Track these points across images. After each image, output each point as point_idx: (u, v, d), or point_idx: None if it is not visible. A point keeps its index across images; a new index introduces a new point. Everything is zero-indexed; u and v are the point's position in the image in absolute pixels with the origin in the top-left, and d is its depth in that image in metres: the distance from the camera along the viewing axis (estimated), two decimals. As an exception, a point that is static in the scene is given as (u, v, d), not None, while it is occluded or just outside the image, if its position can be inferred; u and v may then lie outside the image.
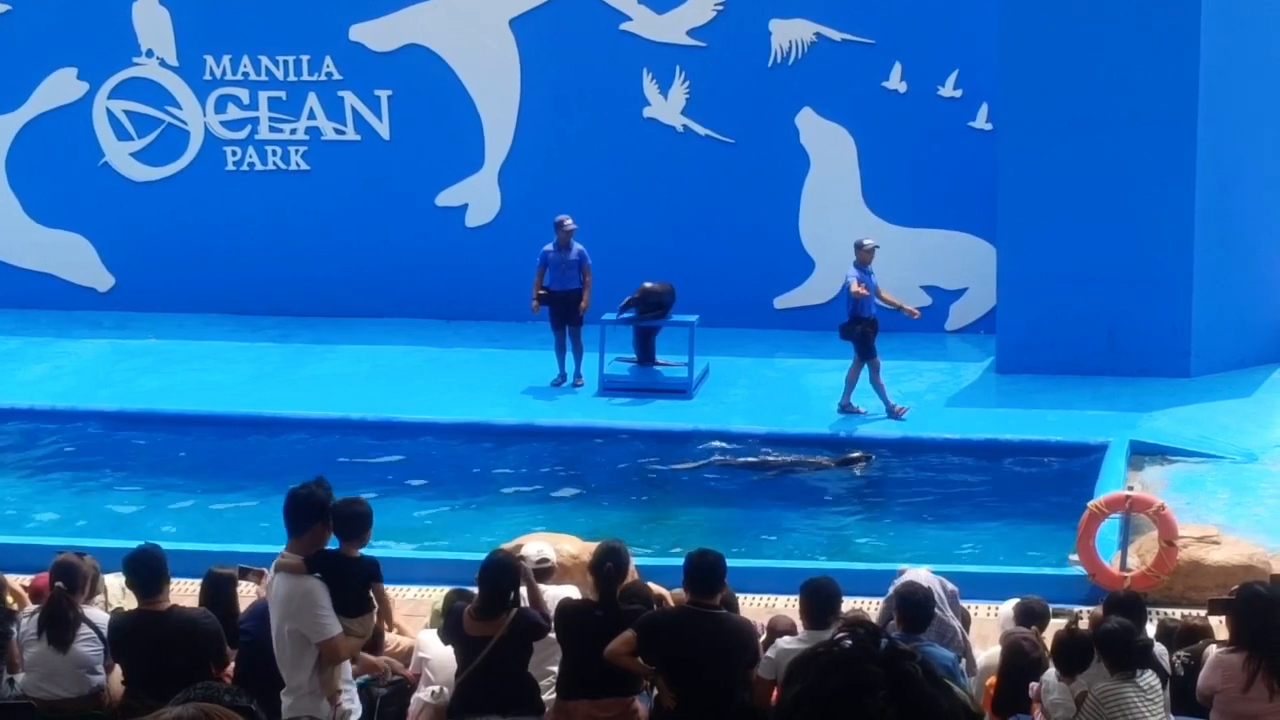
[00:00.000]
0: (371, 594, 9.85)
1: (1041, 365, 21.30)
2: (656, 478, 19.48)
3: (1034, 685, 10.24)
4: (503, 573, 10.07)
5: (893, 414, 20.26)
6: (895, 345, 22.87)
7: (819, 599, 9.99)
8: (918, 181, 23.53)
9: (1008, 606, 12.03)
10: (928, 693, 2.33)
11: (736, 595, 11.90)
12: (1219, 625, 10.77)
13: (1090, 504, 15.28)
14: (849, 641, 2.34)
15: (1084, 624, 10.71)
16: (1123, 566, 14.96)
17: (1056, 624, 11.63)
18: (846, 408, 20.44)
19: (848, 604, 11.35)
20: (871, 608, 12.73)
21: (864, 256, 20.27)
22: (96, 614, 10.70)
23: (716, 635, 9.78)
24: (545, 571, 11.81)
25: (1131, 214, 21.08)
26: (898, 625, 10.11)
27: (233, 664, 10.14)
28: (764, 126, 23.70)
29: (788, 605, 12.69)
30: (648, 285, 21.51)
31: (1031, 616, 11.55)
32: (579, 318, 21.42)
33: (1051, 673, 10.15)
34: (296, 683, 9.28)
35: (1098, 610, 11.36)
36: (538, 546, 12.32)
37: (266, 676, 9.44)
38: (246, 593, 11.45)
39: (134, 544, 10.77)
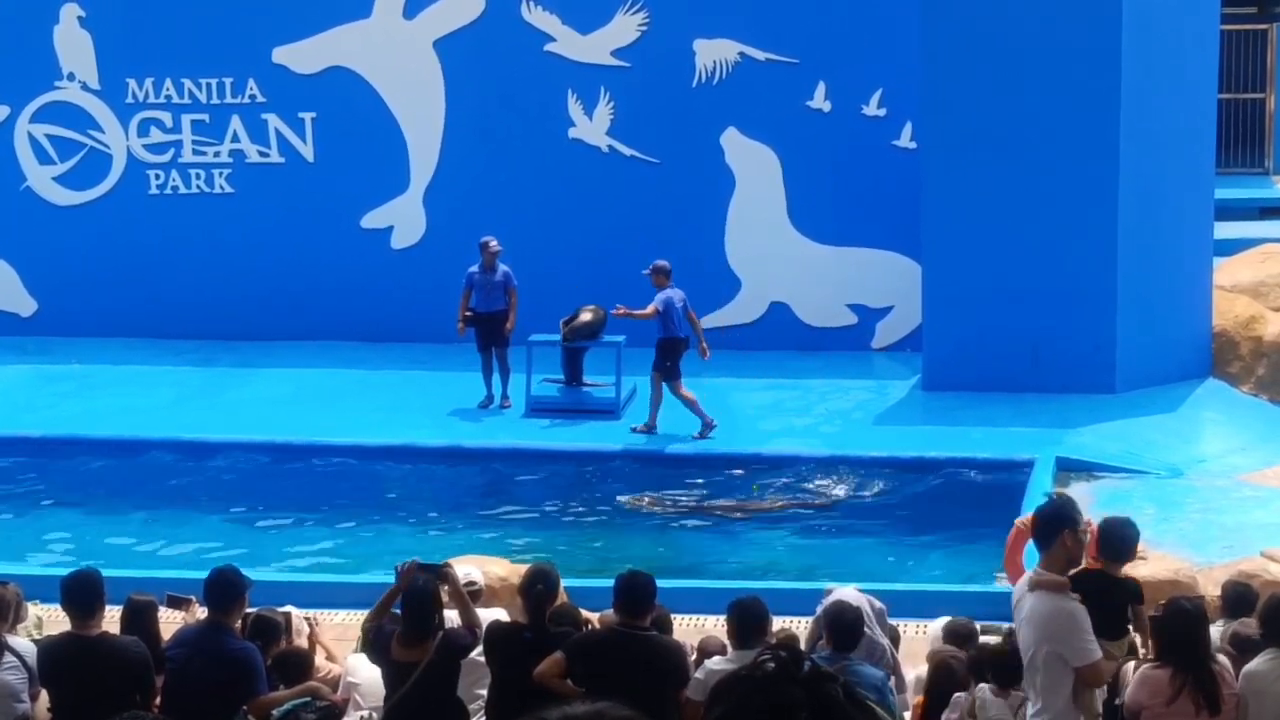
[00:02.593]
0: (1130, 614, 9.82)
1: (968, 382, 21.37)
2: (584, 499, 19.45)
3: (951, 714, 10.23)
4: (425, 598, 10.04)
5: (706, 428, 20.31)
6: (822, 364, 22.98)
7: (746, 619, 9.98)
8: (843, 200, 23.61)
9: (937, 625, 12.05)
10: (849, 714, 2.33)
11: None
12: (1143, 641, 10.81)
13: (1017, 520, 15.29)
14: (771, 664, 2.34)
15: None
16: (1049, 582, 14.98)
17: (985, 640, 11.66)
18: (652, 428, 20.42)
19: (777, 623, 11.34)
20: (800, 627, 12.74)
21: (659, 279, 20.27)
22: (20, 642, 10.60)
23: (645, 657, 9.76)
24: (473, 595, 11.77)
25: (1055, 231, 21.20)
26: (827, 644, 10.12)
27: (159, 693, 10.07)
28: (689, 146, 23.74)
29: (717, 625, 12.68)
30: (586, 317, 21.41)
31: (959, 637, 11.56)
32: (505, 339, 21.39)
33: (985, 688, 10.18)
34: (1053, 709, 8.90)
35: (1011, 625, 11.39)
36: (465, 569, 12.27)
37: (190, 706, 9.38)
38: (168, 619, 11.39)
39: (55, 571, 10.69)
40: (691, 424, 20.39)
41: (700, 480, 19.65)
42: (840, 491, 19.32)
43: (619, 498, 19.19)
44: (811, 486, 19.45)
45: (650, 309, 20.24)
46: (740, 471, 19.83)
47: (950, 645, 11.32)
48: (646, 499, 19.13)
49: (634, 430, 20.57)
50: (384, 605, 10.45)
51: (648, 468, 19.95)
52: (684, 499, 19.22)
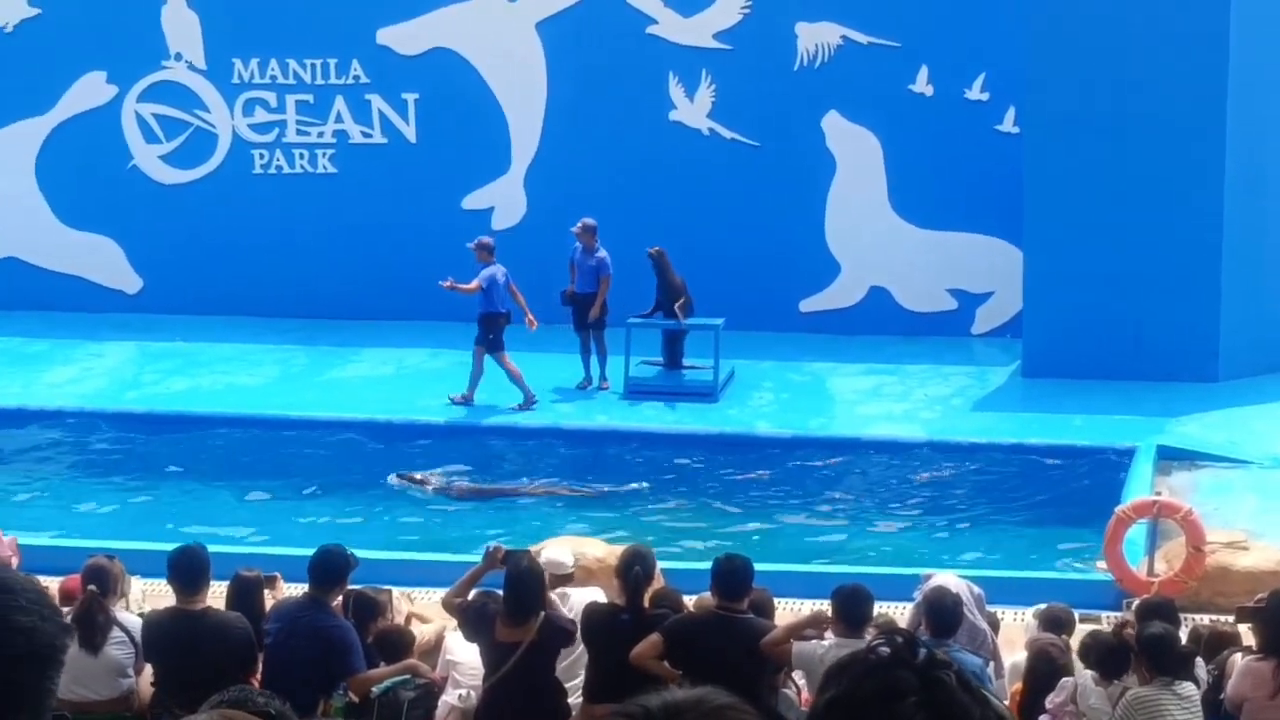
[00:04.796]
0: None
1: (1068, 369, 21.25)
2: (682, 481, 19.47)
3: (1056, 697, 10.19)
4: (529, 579, 10.08)
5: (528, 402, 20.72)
6: (922, 349, 22.90)
7: (852, 605, 9.97)
8: (944, 185, 23.51)
9: (1029, 613, 12.02)
10: (960, 700, 2.34)
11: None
12: (1248, 632, 10.75)
13: (1117, 509, 15.25)
14: (886, 648, 2.36)
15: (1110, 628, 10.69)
16: (1150, 572, 14.92)
17: (1083, 629, 11.62)
18: (470, 399, 20.80)
19: (876, 609, 11.33)
20: (897, 612, 12.73)
21: (482, 255, 20.70)
22: (127, 617, 10.74)
23: (742, 640, 9.78)
24: (564, 577, 11.83)
25: (1159, 216, 21.04)
26: (926, 631, 10.10)
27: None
28: (790, 130, 23.70)
29: (812, 609, 12.67)
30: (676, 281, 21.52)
31: (1057, 624, 11.52)
32: (597, 322, 21.39)
33: (1088, 676, 10.13)
34: None
35: (1126, 616, 11.35)
36: (556, 552, 12.33)
37: (288, 681, 9.47)
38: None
39: (161, 546, 10.82)
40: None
41: (766, 469, 19.62)
42: (936, 477, 19.25)
43: (389, 477, 19.14)
44: (907, 473, 19.39)
45: (474, 284, 20.57)
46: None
47: (1049, 633, 11.27)
48: (419, 476, 19.09)
49: (452, 400, 20.82)
50: (466, 584, 10.51)
51: (739, 451, 19.92)
52: (461, 479, 19.23)
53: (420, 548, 16.86)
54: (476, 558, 11.18)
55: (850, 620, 9.90)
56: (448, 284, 20.65)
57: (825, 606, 10.51)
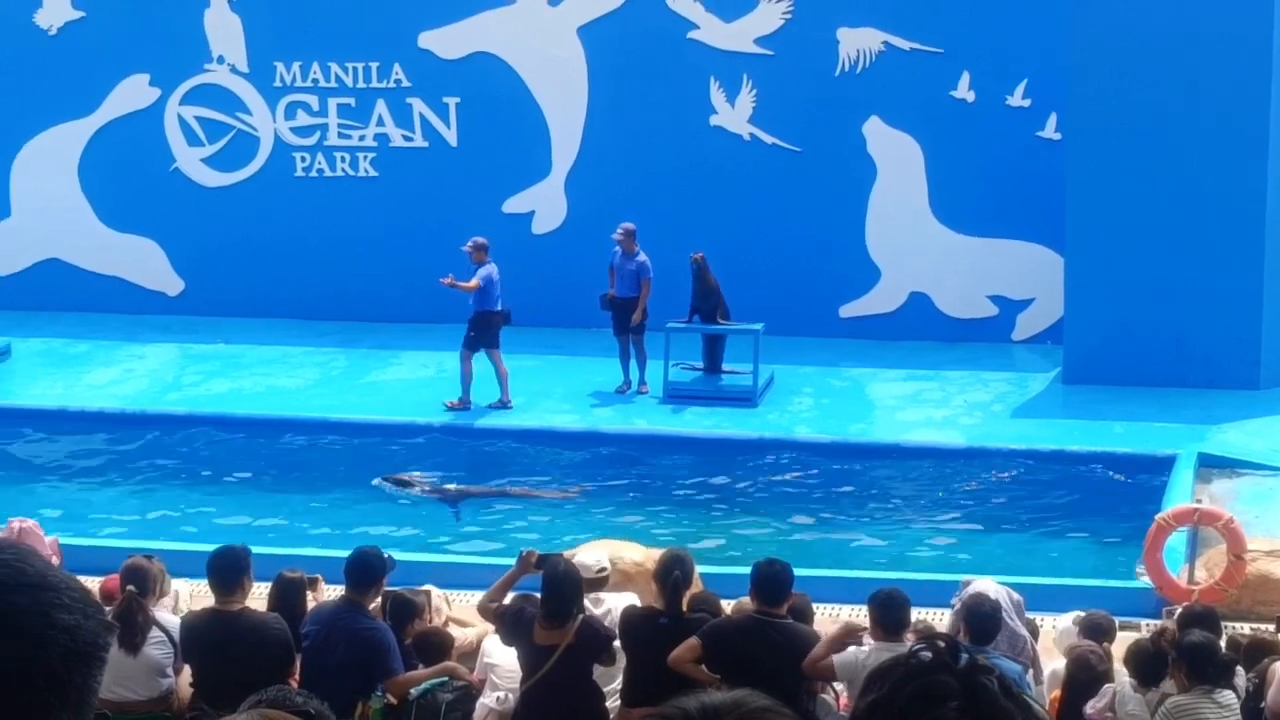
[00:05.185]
0: None
1: (1109, 376, 21.18)
2: (720, 486, 19.47)
3: (1097, 703, 10.16)
4: (567, 582, 10.09)
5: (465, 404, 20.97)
6: (962, 355, 22.85)
7: (888, 609, 9.96)
8: (985, 191, 23.46)
9: (1066, 619, 11.98)
10: (1002, 706, 2.34)
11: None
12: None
13: (1158, 516, 15.20)
14: (928, 653, 2.35)
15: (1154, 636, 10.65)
16: (1190, 580, 14.87)
17: (1124, 637, 11.57)
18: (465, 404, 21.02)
19: (914, 615, 11.31)
20: (936, 618, 12.70)
21: (478, 255, 20.98)
22: (166, 617, 10.77)
23: (781, 645, 9.77)
24: (601, 580, 11.82)
25: (1201, 223, 20.96)
26: (965, 637, 10.07)
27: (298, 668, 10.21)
28: (831, 135, 23.68)
29: (853, 615, 12.67)
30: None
31: (1098, 631, 11.48)
32: (637, 326, 21.41)
33: (1127, 683, 10.10)
34: None
35: (1168, 623, 11.30)
36: (595, 555, 12.33)
37: (325, 682, 9.48)
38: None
39: (202, 547, 10.86)
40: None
41: (805, 474, 19.60)
42: (975, 483, 19.21)
43: (376, 480, 19.25)
44: (945, 478, 19.35)
45: (474, 282, 20.80)
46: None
47: (1089, 639, 11.23)
48: (406, 478, 19.22)
49: (448, 407, 20.98)
50: (501, 589, 10.52)
51: (778, 456, 19.91)
52: (447, 482, 19.34)
53: (460, 550, 16.90)
54: (510, 560, 11.19)
55: (888, 625, 9.88)
56: (448, 281, 20.88)
57: (862, 612, 10.50)
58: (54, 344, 23.94)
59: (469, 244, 21.07)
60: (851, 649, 10.06)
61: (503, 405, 21.00)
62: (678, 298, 21.42)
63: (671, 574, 10.30)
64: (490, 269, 20.90)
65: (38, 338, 23.98)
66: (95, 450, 20.64)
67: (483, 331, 20.82)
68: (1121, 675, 10.33)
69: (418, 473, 19.37)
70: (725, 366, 21.85)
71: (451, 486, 19.25)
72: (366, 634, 10.21)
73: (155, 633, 10.43)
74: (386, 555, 10.68)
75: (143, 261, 25.47)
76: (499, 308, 20.92)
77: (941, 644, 2.37)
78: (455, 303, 24.12)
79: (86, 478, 19.91)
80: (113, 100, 25.21)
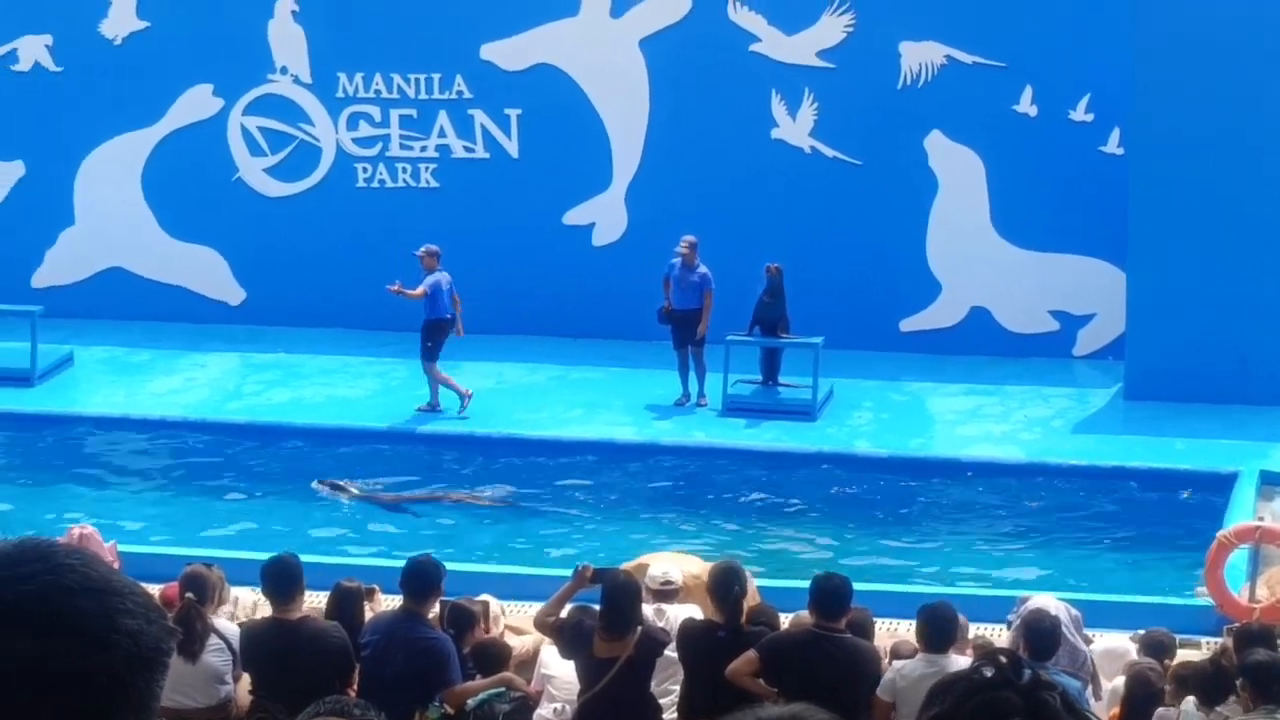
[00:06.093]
0: None
1: (1171, 392, 21.06)
2: (778, 499, 19.44)
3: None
4: (627, 594, 10.09)
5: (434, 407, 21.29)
6: (1022, 370, 22.76)
7: (936, 623, 9.96)
8: (1047, 205, 23.37)
9: (1122, 637, 11.93)
10: (1064, 722, 2.33)
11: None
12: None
13: (1219, 534, 15.11)
14: (991, 669, 2.34)
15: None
16: (1251, 598, 14.77)
17: (1184, 655, 11.51)
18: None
19: (972, 630, 11.29)
20: (994, 634, 12.66)
21: (429, 262, 21.19)
22: (224, 624, 10.82)
23: (840, 659, 9.75)
24: (669, 593, 11.82)
25: (1264, 238, 20.85)
26: (1024, 653, 10.04)
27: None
28: (892, 149, 23.63)
29: (909, 630, 12.64)
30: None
31: (1158, 648, 11.42)
32: (698, 338, 21.40)
33: (1190, 703, 10.03)
34: None
35: (1226, 641, 11.23)
36: (662, 567, 12.33)
37: (384, 692, 9.50)
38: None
39: (261, 555, 10.91)
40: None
41: (864, 489, 19.55)
42: (1035, 499, 19.12)
43: (314, 483, 19.51)
44: (1006, 493, 19.27)
45: (420, 290, 21.01)
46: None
47: (1149, 657, 11.18)
48: (342, 484, 19.48)
49: (419, 410, 21.34)
50: (557, 603, 10.53)
51: (845, 469, 19.89)
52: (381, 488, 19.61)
53: (517, 561, 16.92)
54: (565, 572, 11.22)
55: (934, 639, 9.88)
56: (394, 288, 21.18)
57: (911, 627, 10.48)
58: (116, 352, 24.07)
59: (422, 250, 21.32)
60: (897, 663, 10.07)
61: (428, 407, 21.31)
62: (736, 310, 21.42)
63: (729, 588, 10.29)
64: (439, 277, 21.16)
65: (101, 346, 24.11)
66: (156, 458, 20.76)
67: (436, 339, 21.06)
68: (1186, 697, 10.25)
69: (357, 482, 19.61)
70: (783, 380, 21.82)
71: (385, 494, 19.52)
72: (426, 644, 10.22)
73: (214, 640, 10.47)
74: (440, 564, 10.70)
75: (205, 271, 25.58)
76: (447, 316, 21.14)
77: (1004, 659, 2.35)
78: (516, 314, 24.21)
79: (146, 485, 20.02)
80: (176, 110, 25.34)
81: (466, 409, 21.17)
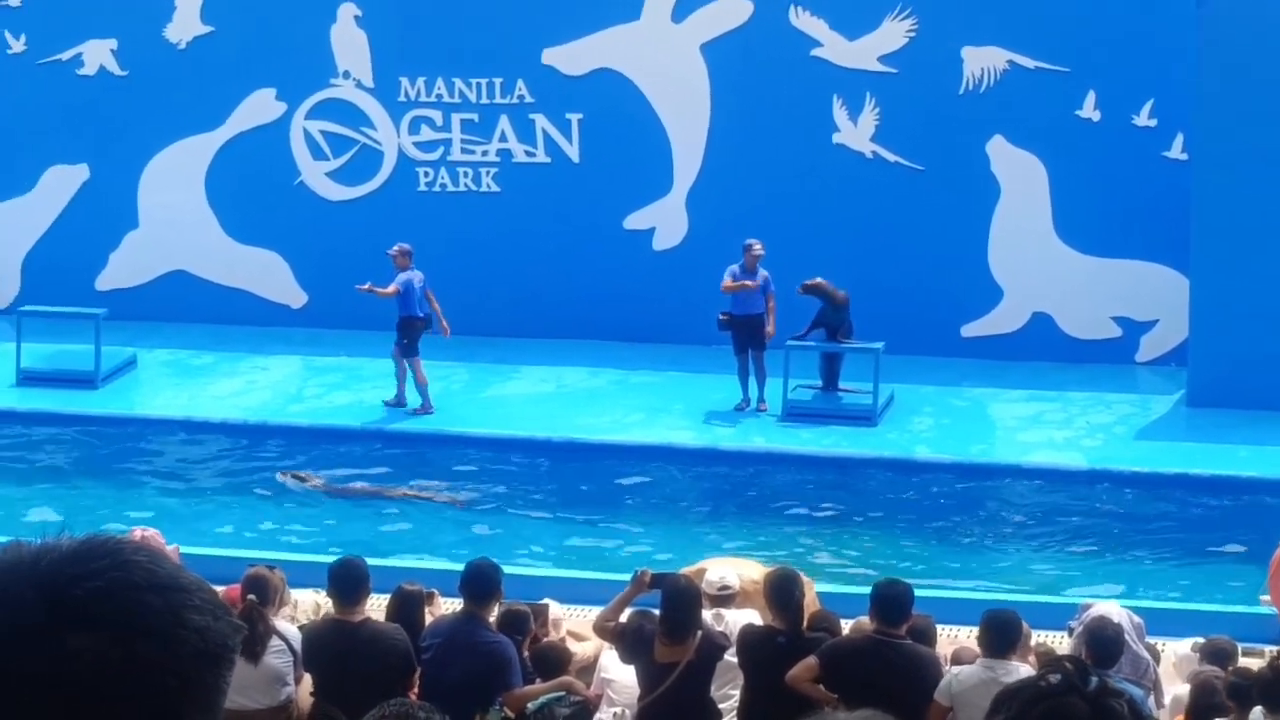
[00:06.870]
0: None
1: (1235, 399, 20.93)
2: (839, 505, 19.42)
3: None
4: (688, 599, 10.09)
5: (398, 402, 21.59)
6: (1084, 376, 22.66)
7: (998, 628, 9.93)
8: (1110, 211, 23.27)
9: (1183, 645, 11.86)
10: (1132, 732, 2.32)
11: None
12: None
13: (1283, 542, 14.99)
14: (1057, 675, 2.34)
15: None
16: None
17: (1246, 663, 11.44)
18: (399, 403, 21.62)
19: (1032, 637, 11.24)
20: (1055, 641, 12.61)
21: (401, 260, 21.48)
22: (286, 626, 10.86)
23: (900, 665, 9.73)
24: (727, 598, 11.82)
25: (1330, 247, 20.71)
26: (1086, 660, 9.99)
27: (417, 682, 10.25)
28: (954, 154, 23.56)
29: (970, 637, 12.60)
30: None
31: (1221, 656, 11.36)
32: (762, 342, 21.40)
33: (1258, 711, 9.97)
34: None
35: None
36: (719, 572, 12.33)
37: (445, 696, 9.52)
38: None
39: (322, 558, 10.95)
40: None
41: (924, 494, 19.49)
42: (1097, 506, 19.03)
43: (277, 475, 19.84)
44: (1066, 500, 19.20)
45: (392, 288, 21.31)
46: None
47: (1212, 665, 11.12)
48: (304, 475, 19.82)
49: (386, 404, 21.61)
50: (616, 608, 10.53)
51: (902, 475, 19.85)
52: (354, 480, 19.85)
53: (576, 565, 16.94)
54: (624, 576, 11.22)
55: (994, 645, 9.85)
56: (365, 287, 21.50)
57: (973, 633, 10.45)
58: (179, 355, 24.19)
59: (394, 249, 21.62)
60: (955, 668, 10.04)
61: (396, 402, 21.56)
62: (796, 315, 21.40)
63: (788, 593, 10.29)
64: (410, 275, 21.44)
65: (164, 349, 24.24)
66: (218, 461, 20.86)
67: (413, 336, 21.33)
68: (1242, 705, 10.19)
69: (321, 474, 19.99)
70: (843, 385, 21.78)
71: (338, 486, 19.83)
72: (488, 647, 10.24)
73: (275, 642, 10.52)
74: (499, 567, 10.73)
75: (267, 274, 25.70)
76: (420, 314, 21.38)
77: (1070, 666, 2.35)
78: (576, 318, 24.24)
79: (208, 488, 20.11)
80: (240, 114, 25.47)
81: (396, 406, 21.51)
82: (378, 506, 19.41)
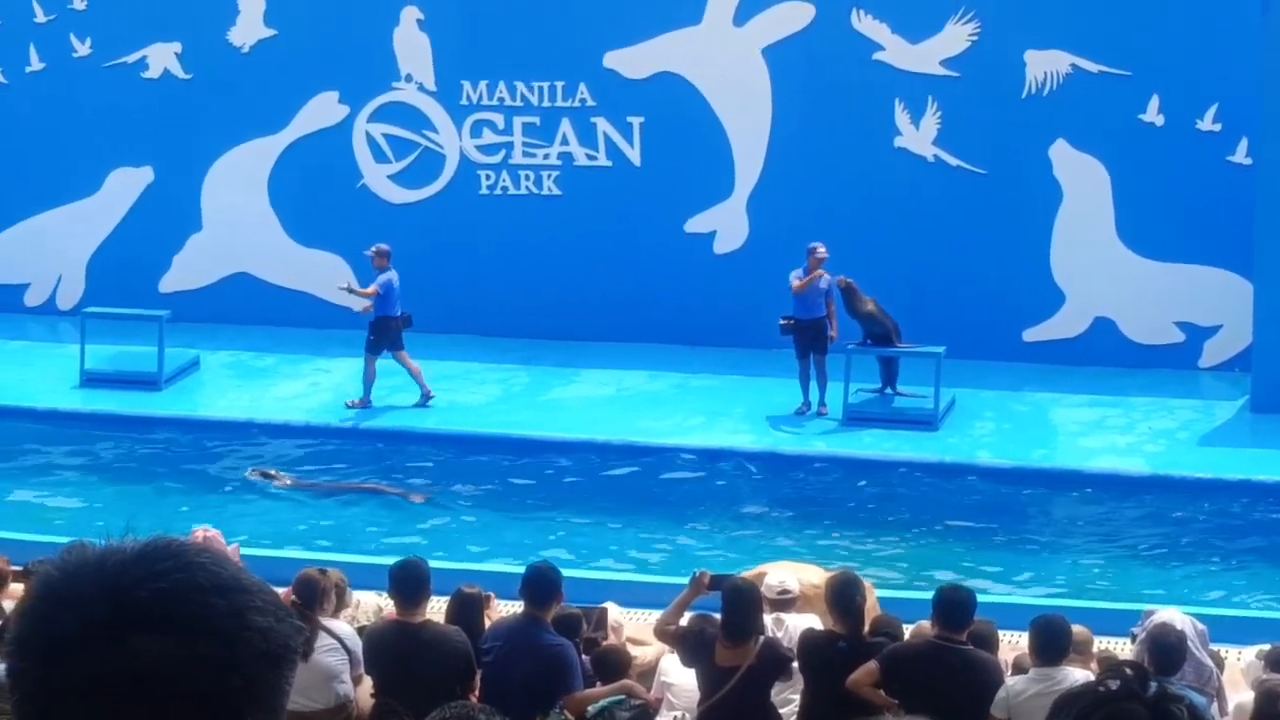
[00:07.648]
0: None
1: (1299, 405, 20.82)
2: (899, 509, 19.38)
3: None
4: (749, 601, 10.09)
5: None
6: (1147, 382, 22.55)
7: (1047, 635, 9.90)
8: (1173, 216, 23.14)
9: (1251, 652, 11.78)
10: (1193, 739, 2.31)
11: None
12: None
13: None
14: (1117, 681, 2.33)
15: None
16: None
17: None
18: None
19: (1094, 644, 11.19)
20: (1117, 647, 12.55)
21: (379, 261, 21.80)
22: (338, 624, 10.89)
23: (961, 671, 9.71)
24: (787, 602, 11.81)
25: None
26: (1149, 667, 9.94)
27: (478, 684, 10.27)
28: (1016, 158, 23.47)
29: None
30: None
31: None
32: (825, 346, 21.37)
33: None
34: None
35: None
36: (779, 576, 12.32)
37: (507, 698, 9.54)
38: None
39: (383, 559, 10.97)
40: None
41: (986, 499, 19.42)
42: (1159, 511, 18.95)
43: (246, 472, 20.15)
44: (1128, 507, 19.11)
45: (372, 289, 21.81)
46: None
47: (1275, 673, 11.04)
48: (273, 472, 20.14)
49: (349, 405, 21.95)
50: (676, 611, 10.53)
51: (970, 477, 19.80)
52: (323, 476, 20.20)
53: (637, 569, 16.94)
54: (682, 579, 11.22)
55: (1046, 652, 9.81)
56: (345, 286, 22.24)
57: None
58: (242, 357, 24.31)
59: (372, 249, 21.97)
60: (1008, 680, 10.01)
61: (424, 400, 21.97)
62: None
63: (849, 598, 10.28)
64: (390, 276, 21.83)
65: (226, 350, 24.37)
66: (279, 462, 20.94)
67: (381, 336, 21.72)
68: None
69: (291, 472, 20.31)
70: (901, 388, 21.75)
71: (306, 481, 20.20)
72: (551, 650, 10.26)
73: (327, 640, 10.53)
74: (559, 570, 10.74)
75: (330, 277, 25.76)
76: (398, 313, 21.80)
77: (1130, 672, 2.34)
78: (636, 321, 24.25)
79: (269, 490, 20.20)
80: (303, 117, 25.58)
81: (356, 409, 21.85)
82: (412, 508, 19.52)
